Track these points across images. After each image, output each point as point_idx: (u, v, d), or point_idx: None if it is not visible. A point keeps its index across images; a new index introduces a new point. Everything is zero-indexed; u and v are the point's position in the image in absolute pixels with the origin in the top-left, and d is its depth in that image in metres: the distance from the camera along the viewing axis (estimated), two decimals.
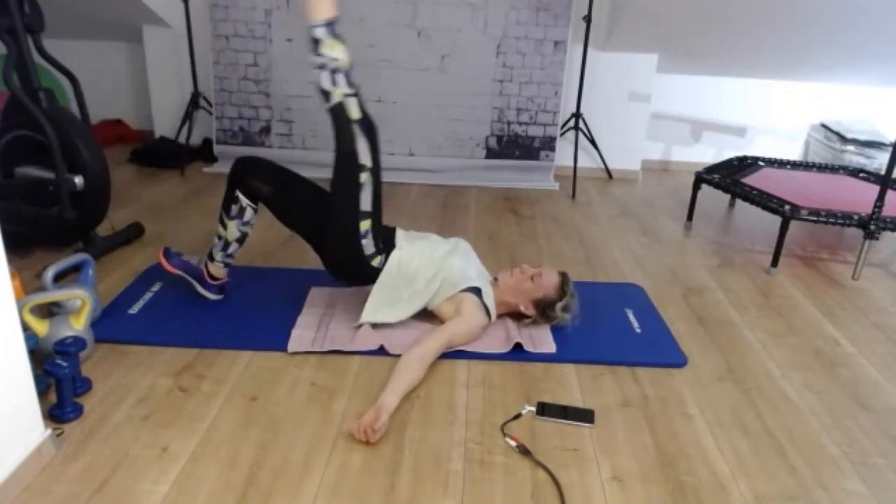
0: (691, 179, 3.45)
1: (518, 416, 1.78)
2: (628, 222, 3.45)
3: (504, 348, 2.08)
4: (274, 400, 1.80)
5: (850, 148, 4.10)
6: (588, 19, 3.70)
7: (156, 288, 2.37)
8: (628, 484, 1.56)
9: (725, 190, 3.18)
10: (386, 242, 2.14)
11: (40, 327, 1.83)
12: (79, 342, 1.74)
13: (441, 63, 3.89)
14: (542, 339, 2.14)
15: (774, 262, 2.87)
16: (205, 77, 4.02)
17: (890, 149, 3.63)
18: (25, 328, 1.72)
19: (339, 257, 2.10)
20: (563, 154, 4.11)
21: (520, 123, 4.01)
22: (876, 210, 2.72)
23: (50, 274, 1.99)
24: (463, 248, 2.27)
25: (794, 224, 3.27)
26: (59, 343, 1.72)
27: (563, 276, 2.22)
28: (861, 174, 3.61)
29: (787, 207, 2.82)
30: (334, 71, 1.90)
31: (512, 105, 3.98)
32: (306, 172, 2.20)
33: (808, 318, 2.48)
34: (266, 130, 4.00)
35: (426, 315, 2.17)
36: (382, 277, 2.10)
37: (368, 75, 3.87)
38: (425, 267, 2.12)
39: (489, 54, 3.88)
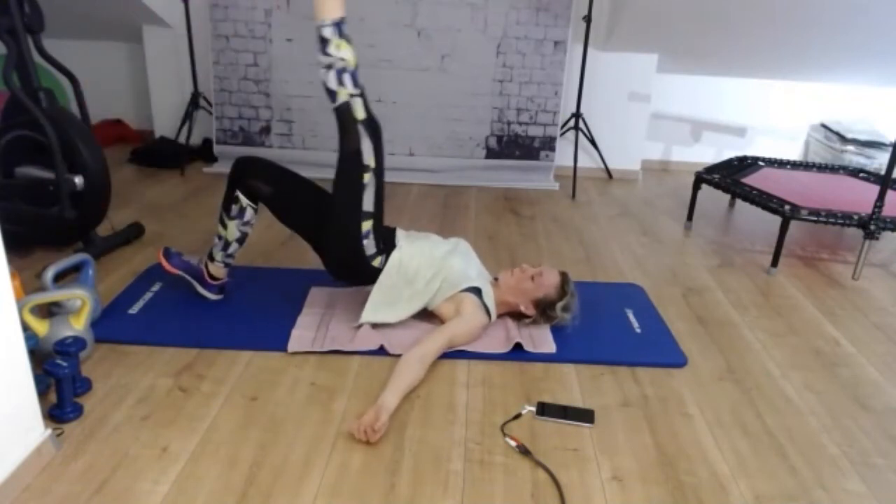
0: (691, 179, 3.45)
1: (518, 416, 1.78)
2: (628, 222, 3.45)
3: (504, 348, 2.08)
4: (274, 400, 1.80)
5: (850, 148, 4.10)
6: (588, 19, 3.70)
7: (156, 288, 2.37)
8: (628, 484, 1.56)
9: (725, 190, 3.18)
10: (386, 243, 2.14)
11: (40, 327, 1.83)
12: (79, 342, 1.74)
13: (441, 63, 3.89)
14: (542, 339, 2.14)
15: (774, 262, 2.87)
16: (205, 77, 4.02)
17: (890, 149, 3.63)
18: (25, 328, 1.72)
19: (339, 257, 2.10)
20: (563, 154, 4.11)
21: (520, 123, 4.01)
22: (876, 210, 2.72)
23: (50, 274, 1.99)
24: (463, 248, 2.27)
25: (794, 224, 3.27)
26: (59, 343, 1.72)
27: (564, 276, 2.22)
28: (861, 174, 3.61)
29: (787, 207, 2.82)
30: (341, 71, 1.90)
31: (512, 105, 3.98)
32: (306, 172, 2.20)
33: (808, 318, 2.48)
34: (266, 130, 4.00)
35: (426, 315, 2.17)
36: (382, 278, 2.10)
37: (368, 75, 3.87)
38: (425, 267, 2.12)
39: (489, 54, 3.88)
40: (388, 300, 2.12)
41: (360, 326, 2.12)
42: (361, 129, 1.95)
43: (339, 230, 2.04)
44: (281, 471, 1.54)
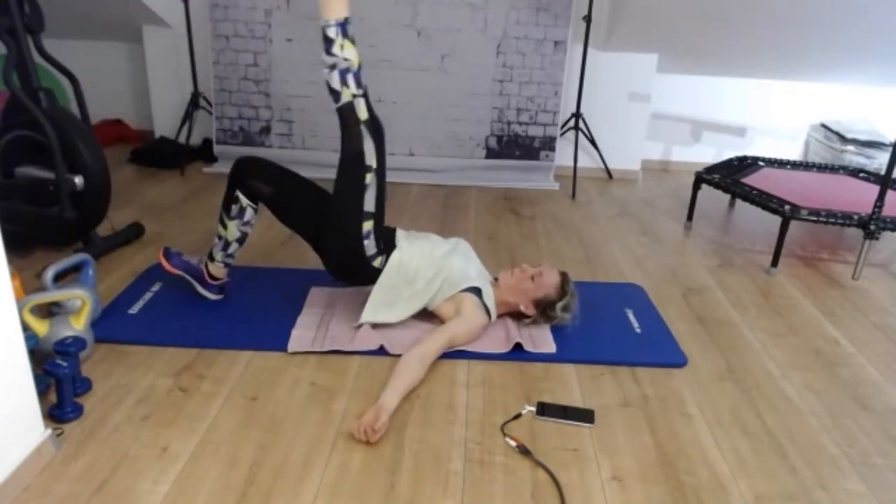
0: (691, 179, 3.45)
1: (518, 416, 1.78)
2: (628, 222, 3.45)
3: (504, 348, 2.08)
4: (274, 400, 1.80)
5: (850, 148, 4.10)
6: (588, 19, 3.70)
7: (156, 288, 2.37)
8: (628, 484, 1.56)
9: (725, 190, 3.18)
10: (386, 243, 2.14)
11: (40, 327, 1.83)
12: (79, 342, 1.74)
13: (441, 63, 3.89)
14: (542, 339, 2.14)
15: (774, 262, 2.87)
16: (205, 77, 4.02)
17: (890, 149, 3.63)
18: (25, 328, 1.72)
19: (340, 258, 2.10)
20: (563, 154, 4.11)
21: (520, 123, 4.01)
22: (876, 210, 2.72)
23: (50, 274, 1.99)
24: (463, 248, 2.27)
25: (794, 224, 3.27)
26: (59, 343, 1.72)
27: (564, 276, 2.22)
28: (861, 174, 3.61)
29: (787, 207, 2.82)
30: (345, 71, 1.90)
31: (512, 105, 3.98)
32: (306, 172, 2.20)
33: (808, 318, 2.48)
34: (266, 130, 4.00)
35: (426, 315, 2.17)
36: (382, 278, 2.10)
37: (369, 75, 3.83)
38: (425, 267, 2.12)
39: (489, 54, 3.88)
40: (388, 300, 2.12)
41: (360, 326, 2.12)
42: (364, 130, 1.95)
43: (339, 230, 2.04)
44: (281, 471, 1.54)
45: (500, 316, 2.22)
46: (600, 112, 4.17)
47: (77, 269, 2.15)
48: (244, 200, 2.12)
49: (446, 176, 4.02)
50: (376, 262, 2.09)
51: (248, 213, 2.15)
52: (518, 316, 2.24)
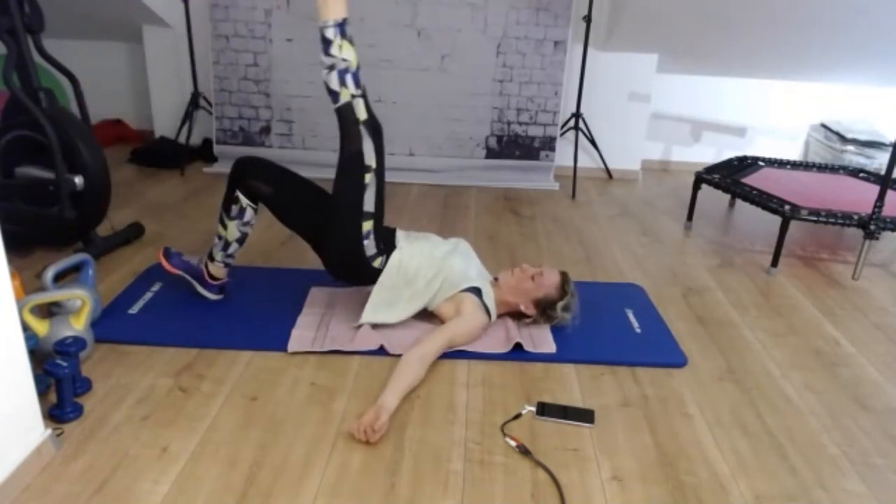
0: (691, 179, 3.45)
1: (518, 416, 1.78)
2: (628, 222, 3.45)
3: (504, 348, 2.08)
4: (274, 400, 1.80)
5: (850, 148, 4.10)
6: (588, 19, 3.70)
7: (156, 288, 2.37)
8: (628, 484, 1.56)
9: (725, 190, 3.18)
10: (386, 243, 2.14)
11: (40, 327, 1.83)
12: (79, 342, 1.74)
13: (441, 63, 3.89)
14: (542, 339, 2.14)
15: (774, 262, 2.87)
16: (205, 77, 4.02)
17: (890, 149, 3.63)
18: (25, 328, 1.72)
19: (340, 258, 2.10)
20: (563, 154, 4.11)
21: (520, 123, 4.01)
22: (876, 210, 2.72)
23: (50, 274, 1.99)
24: (463, 248, 2.27)
25: (794, 224, 3.27)
26: (59, 343, 1.72)
27: (564, 276, 2.23)
28: (861, 174, 3.61)
29: (787, 207, 2.82)
30: (344, 72, 1.90)
31: (512, 105, 3.98)
32: (306, 172, 2.20)
33: (808, 318, 2.48)
34: (266, 130, 4.00)
35: (426, 315, 2.17)
36: (383, 278, 2.10)
37: (368, 75, 3.86)
38: (426, 267, 2.12)
39: (489, 54, 3.88)
40: (388, 300, 2.12)
41: (360, 326, 2.12)
42: (363, 130, 1.95)
43: (339, 230, 2.04)
44: (281, 471, 1.54)
45: (500, 316, 2.22)
46: (600, 112, 4.17)
47: (77, 269, 2.15)
48: (244, 200, 2.12)
49: (446, 176, 4.02)
50: (376, 263, 2.09)
51: (248, 214, 2.15)
52: (518, 316, 2.24)
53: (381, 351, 2.03)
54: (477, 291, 2.12)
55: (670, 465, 1.63)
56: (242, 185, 2.11)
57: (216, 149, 4.03)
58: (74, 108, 2.68)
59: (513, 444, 1.66)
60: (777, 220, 2.88)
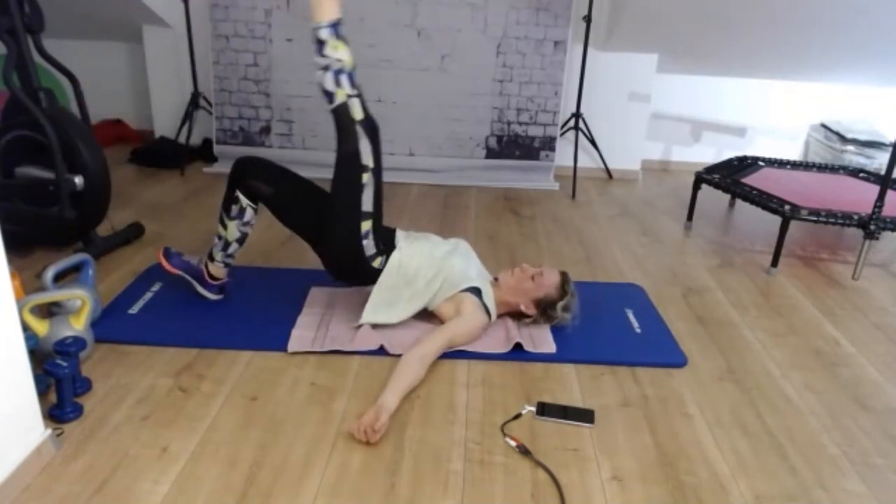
0: (691, 179, 3.45)
1: (518, 416, 1.78)
2: (628, 222, 3.45)
3: (504, 348, 2.08)
4: (274, 400, 1.80)
5: (850, 148, 4.10)
6: (588, 19, 3.70)
7: (156, 288, 2.37)
8: (628, 484, 1.56)
9: (725, 190, 3.18)
10: (386, 243, 2.14)
11: (40, 327, 1.83)
12: (79, 342, 1.74)
13: (441, 63, 3.89)
14: (542, 339, 2.14)
15: (774, 262, 2.87)
16: (205, 77, 4.02)
17: (890, 149, 3.63)
18: (25, 328, 1.72)
19: (339, 258, 2.10)
20: (563, 154, 4.11)
21: (520, 123, 4.01)
22: (876, 210, 2.72)
23: (50, 274, 1.99)
24: (463, 248, 2.27)
25: (794, 224, 3.27)
26: (59, 343, 1.72)
27: (564, 276, 2.23)
28: (861, 174, 3.61)
29: (787, 207, 2.82)
30: (338, 72, 1.90)
31: (512, 105, 3.98)
32: (306, 172, 2.20)
33: (808, 318, 2.48)
34: (266, 130, 4.00)
35: (426, 315, 2.17)
36: (382, 278, 2.10)
37: (368, 75, 3.87)
38: (426, 267, 2.12)
39: (489, 54, 3.88)
40: (388, 300, 2.12)
41: (360, 326, 2.12)
42: (359, 130, 1.95)
43: (338, 230, 2.04)
44: (281, 471, 1.54)
45: (500, 316, 2.22)
46: (600, 112, 4.17)
47: (77, 269, 2.15)
48: (244, 200, 2.12)
49: (446, 176, 4.02)
50: (376, 263, 2.09)
51: (248, 214, 2.15)
52: (518, 316, 2.24)
53: (381, 351, 2.03)
54: (477, 291, 2.12)
55: (670, 465, 1.63)
56: (242, 185, 2.11)
57: (216, 149, 4.03)
58: (74, 108, 2.68)
59: (513, 444, 1.66)
60: (777, 220, 2.88)
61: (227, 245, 2.20)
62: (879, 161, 4.06)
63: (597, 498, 1.52)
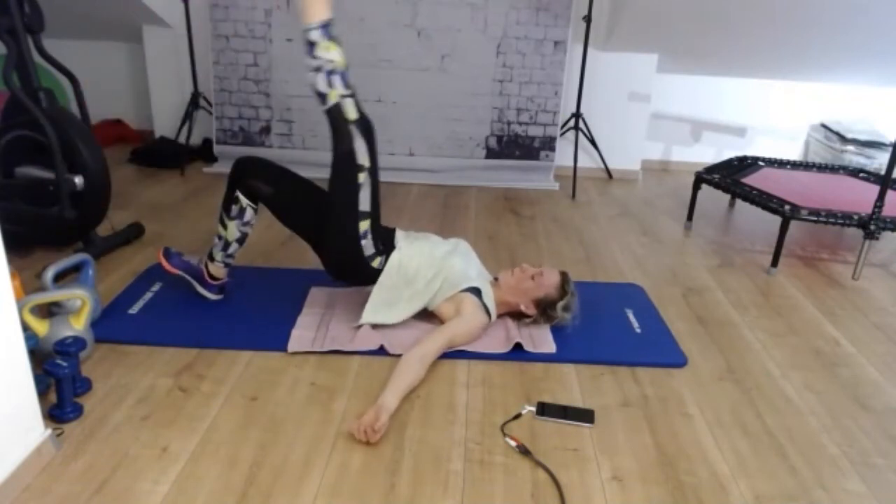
0: (691, 179, 3.45)
1: (518, 416, 1.78)
2: (628, 222, 3.45)
3: (504, 348, 2.08)
4: (274, 400, 1.80)
5: (850, 148, 4.10)
6: (588, 19, 3.70)
7: (156, 288, 2.37)
8: (628, 484, 1.56)
9: (725, 190, 3.18)
10: (385, 243, 2.14)
11: (40, 327, 1.83)
12: (79, 342, 1.74)
13: (441, 63, 3.89)
14: (542, 339, 2.14)
15: (774, 262, 2.87)
16: (205, 77, 4.02)
17: (890, 149, 3.63)
18: (25, 328, 1.72)
19: (338, 258, 2.10)
20: (563, 154, 4.11)
21: (520, 123, 4.01)
22: (876, 210, 2.72)
23: (50, 274, 1.99)
24: (463, 248, 2.27)
25: (794, 224, 3.27)
26: (59, 343, 1.72)
27: (564, 276, 2.23)
28: (861, 174, 3.61)
29: (787, 207, 2.82)
30: (330, 73, 1.89)
31: (512, 105, 3.98)
32: (306, 172, 2.20)
33: (808, 318, 2.48)
34: (266, 130, 4.00)
35: (426, 315, 2.17)
36: (382, 278, 2.10)
37: (368, 75, 3.87)
38: (426, 267, 2.12)
39: (489, 54, 3.88)
40: (388, 300, 2.12)
41: (360, 326, 2.12)
42: (354, 130, 1.95)
43: (337, 230, 2.04)
44: (281, 471, 1.54)
45: (500, 316, 2.22)
46: (600, 112, 4.17)
47: (77, 269, 2.15)
48: (244, 200, 2.12)
49: (446, 176, 4.02)
50: (375, 263, 2.09)
51: (248, 214, 2.15)
52: (518, 316, 2.24)
53: (381, 351, 2.03)
54: (477, 291, 2.12)
55: (670, 465, 1.63)
56: (242, 185, 2.11)
57: (216, 149, 4.03)
58: (74, 108, 2.68)
59: (513, 444, 1.66)
60: (777, 220, 2.88)
61: (227, 245, 2.20)
62: (879, 161, 4.06)
63: (597, 498, 1.52)
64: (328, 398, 1.82)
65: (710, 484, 1.58)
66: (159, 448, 1.59)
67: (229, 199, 2.14)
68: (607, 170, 4.27)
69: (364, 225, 2.03)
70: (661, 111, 4.42)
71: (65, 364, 1.64)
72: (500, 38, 3.85)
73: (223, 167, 3.92)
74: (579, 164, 4.02)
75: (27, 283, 2.25)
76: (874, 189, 3.25)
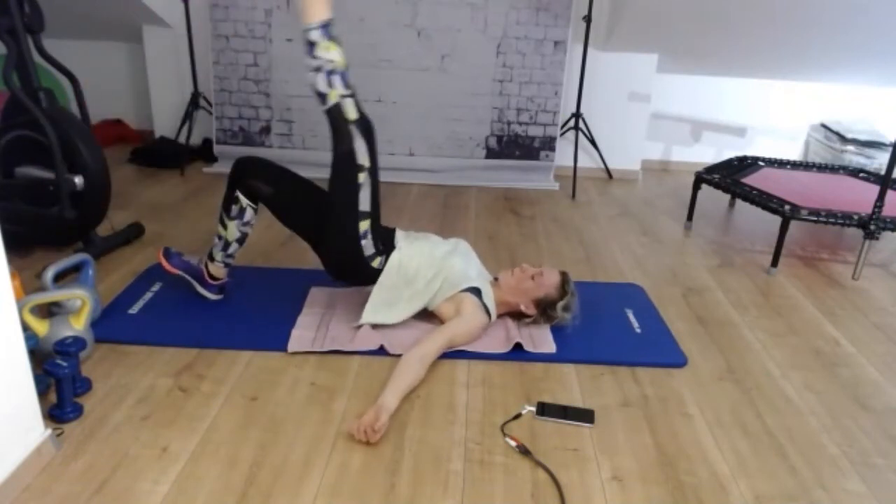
0: (691, 179, 3.45)
1: (518, 416, 1.78)
2: (628, 222, 3.45)
3: (504, 348, 2.08)
4: (274, 400, 1.80)
5: (850, 148, 4.10)
6: (588, 19, 3.70)
7: (156, 288, 2.37)
8: (628, 484, 1.56)
9: (725, 190, 3.18)
10: (385, 243, 2.14)
11: (40, 327, 1.83)
12: (79, 342, 1.74)
13: (441, 63, 3.89)
14: (542, 339, 2.14)
15: (774, 262, 2.87)
16: (205, 77, 4.02)
17: (890, 149, 3.63)
18: (25, 328, 1.72)
19: (338, 258, 2.10)
20: (563, 154, 4.11)
21: (520, 123, 4.01)
22: (876, 210, 2.72)
23: (50, 274, 1.99)
24: (463, 248, 2.27)
25: (794, 224, 3.27)
26: (59, 343, 1.72)
27: (564, 276, 2.23)
28: (861, 174, 3.61)
29: (787, 207, 2.82)
30: (330, 73, 1.89)
31: (512, 105, 3.98)
32: (306, 172, 2.20)
33: (808, 318, 2.48)
34: (266, 130, 4.00)
35: (426, 315, 2.17)
36: (382, 278, 2.10)
37: (368, 75, 3.87)
38: (426, 267, 2.12)
39: (489, 54, 3.88)
40: (388, 300, 2.12)
41: (360, 326, 2.12)
42: (354, 130, 1.95)
43: (336, 230, 2.04)
44: (281, 471, 1.54)
45: (500, 316, 2.22)
46: (600, 112, 4.17)
47: (77, 269, 2.15)
48: (244, 200, 2.12)
49: (446, 176, 4.02)
50: (375, 263, 2.09)
51: (248, 214, 2.15)
52: (518, 316, 2.24)
53: (381, 351, 2.03)
54: (477, 291, 2.12)
55: (670, 465, 1.63)
56: (242, 185, 2.11)
57: (216, 149, 4.03)
58: (74, 108, 2.68)
59: (513, 444, 1.66)
60: (777, 220, 2.88)
61: (227, 245, 2.20)
62: (879, 161, 4.06)
63: (597, 498, 1.52)
64: (328, 398, 1.82)
65: (710, 484, 1.58)
66: (159, 448, 1.59)
67: (229, 199, 2.14)
68: (607, 170, 4.27)
69: (364, 225, 2.03)
70: (661, 111, 4.42)
71: (65, 364, 1.64)
72: (500, 38, 3.85)
73: (223, 167, 3.92)
74: (579, 164, 4.02)
75: (27, 283, 2.25)
76: (874, 189, 3.25)
